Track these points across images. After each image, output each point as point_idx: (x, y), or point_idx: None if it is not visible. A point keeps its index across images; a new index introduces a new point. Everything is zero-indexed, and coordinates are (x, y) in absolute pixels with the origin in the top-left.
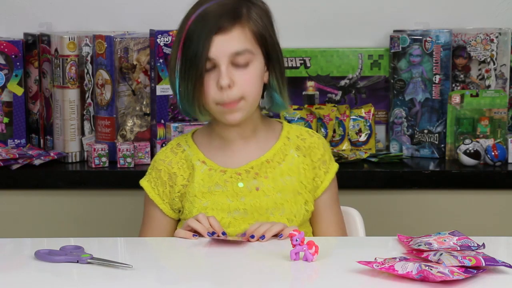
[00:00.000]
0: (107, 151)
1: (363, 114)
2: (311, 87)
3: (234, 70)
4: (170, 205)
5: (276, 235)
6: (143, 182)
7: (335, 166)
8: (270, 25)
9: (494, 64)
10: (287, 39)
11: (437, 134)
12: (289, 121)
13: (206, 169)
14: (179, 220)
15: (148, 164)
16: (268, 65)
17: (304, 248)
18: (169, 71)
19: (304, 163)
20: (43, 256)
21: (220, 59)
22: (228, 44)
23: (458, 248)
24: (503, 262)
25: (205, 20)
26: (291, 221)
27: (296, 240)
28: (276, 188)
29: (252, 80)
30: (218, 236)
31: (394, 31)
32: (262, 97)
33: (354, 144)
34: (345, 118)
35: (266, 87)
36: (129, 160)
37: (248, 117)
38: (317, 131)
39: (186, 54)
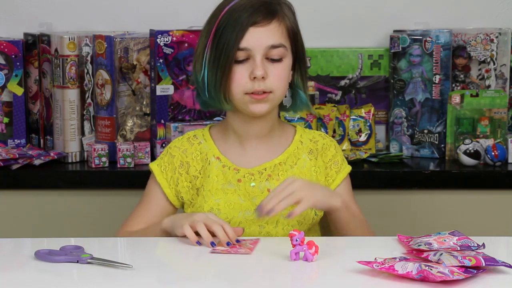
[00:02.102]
0: (107, 151)
1: (363, 114)
2: (311, 87)
3: (267, 63)
4: (175, 191)
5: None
6: (153, 165)
7: (347, 167)
8: (297, 24)
9: (494, 64)
10: None
11: (437, 134)
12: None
13: (220, 166)
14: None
15: (148, 164)
16: (294, 64)
17: (304, 248)
18: (194, 61)
19: (316, 166)
20: (43, 256)
21: (256, 50)
22: (266, 36)
23: (458, 248)
24: (503, 262)
25: (241, 11)
26: (300, 224)
27: (296, 240)
28: None
29: (283, 75)
30: (219, 247)
31: (394, 31)
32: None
33: (354, 144)
34: (345, 118)
35: (289, 86)
36: (129, 160)
37: (270, 114)
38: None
39: (218, 43)
